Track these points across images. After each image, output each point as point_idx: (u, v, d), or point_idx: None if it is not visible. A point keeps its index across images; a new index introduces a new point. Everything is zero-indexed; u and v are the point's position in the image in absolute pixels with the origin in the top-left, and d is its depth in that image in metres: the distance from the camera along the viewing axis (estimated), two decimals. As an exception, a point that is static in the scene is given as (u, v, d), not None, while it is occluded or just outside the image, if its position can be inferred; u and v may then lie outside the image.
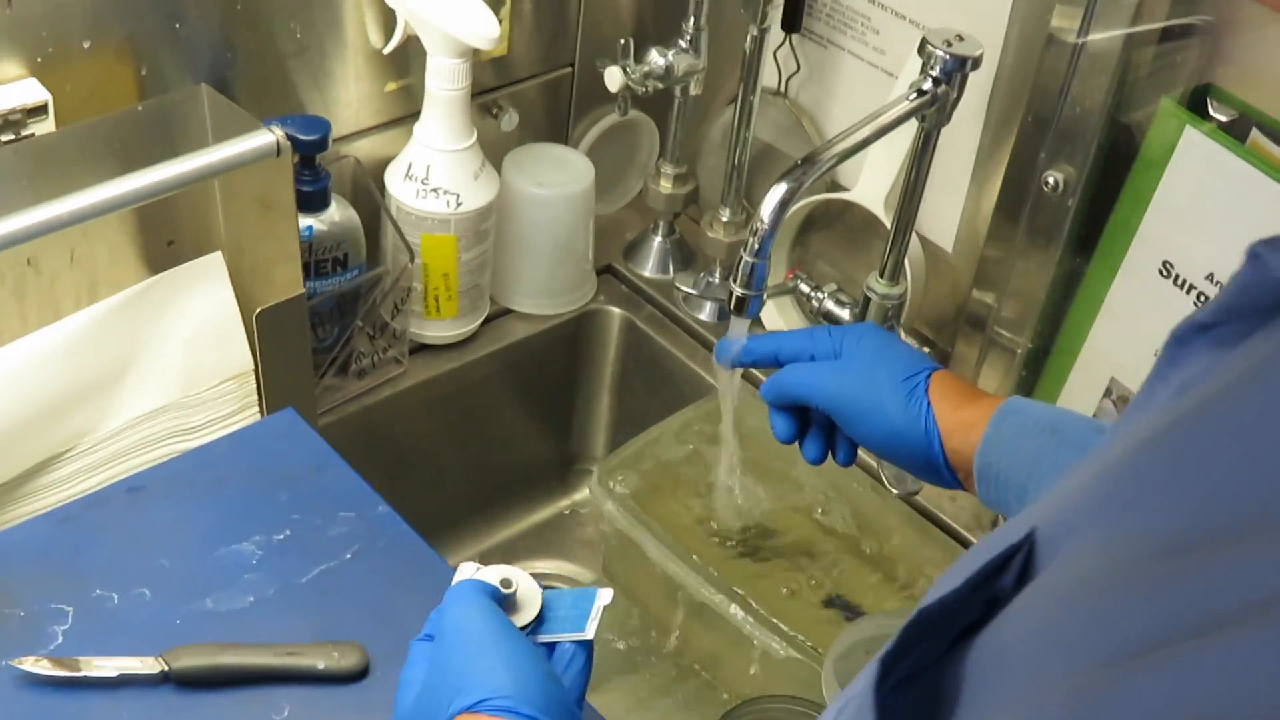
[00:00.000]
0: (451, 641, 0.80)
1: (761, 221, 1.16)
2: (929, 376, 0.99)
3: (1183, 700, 0.37)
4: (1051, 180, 1.28)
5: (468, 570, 0.86)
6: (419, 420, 1.48)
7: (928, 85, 1.23)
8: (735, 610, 1.22)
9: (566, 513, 1.65)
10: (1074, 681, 0.40)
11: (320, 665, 0.97)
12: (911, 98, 1.24)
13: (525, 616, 0.85)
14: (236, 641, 0.97)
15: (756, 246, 1.16)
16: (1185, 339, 0.52)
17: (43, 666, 0.94)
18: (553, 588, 0.89)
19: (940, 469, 0.98)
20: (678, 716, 1.34)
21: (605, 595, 0.86)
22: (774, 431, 1.06)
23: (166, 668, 0.95)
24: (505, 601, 0.84)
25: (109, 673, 0.95)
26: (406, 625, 1.01)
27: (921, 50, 1.23)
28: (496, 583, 0.84)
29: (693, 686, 1.35)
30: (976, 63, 1.23)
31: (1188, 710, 0.36)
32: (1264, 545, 0.38)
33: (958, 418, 0.96)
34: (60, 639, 0.97)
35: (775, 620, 1.21)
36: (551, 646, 0.85)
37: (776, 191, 1.16)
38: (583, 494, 1.65)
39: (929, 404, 0.97)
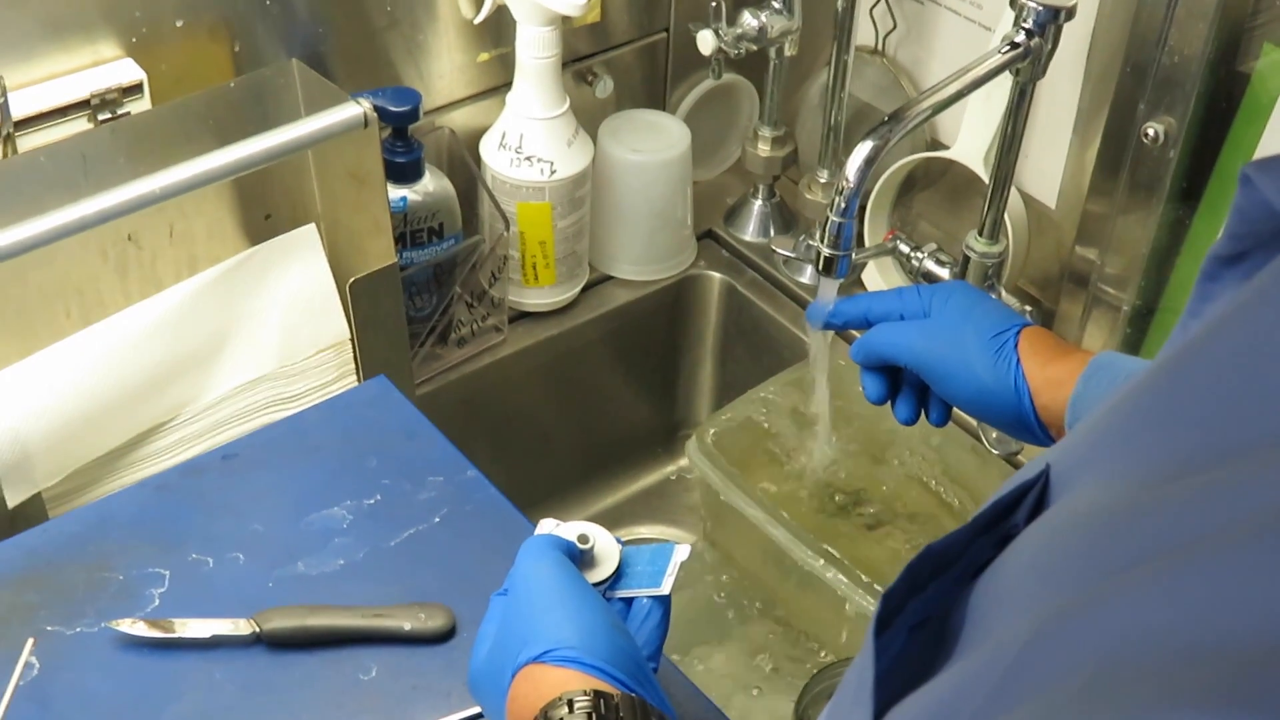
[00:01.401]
0: (521, 594, 0.80)
1: (847, 180, 1.15)
2: (1018, 333, 0.97)
3: (1150, 616, 0.36)
4: (1151, 132, 1.25)
5: (547, 526, 0.87)
6: (521, 388, 1.49)
7: (1020, 38, 1.21)
8: (829, 571, 1.21)
9: (673, 478, 1.66)
10: (1050, 606, 0.40)
11: (407, 626, 0.98)
12: (1004, 50, 1.22)
13: (602, 572, 0.86)
14: (326, 604, 0.99)
15: (843, 205, 1.15)
16: (1213, 273, 0.50)
17: (139, 628, 0.97)
18: (631, 544, 0.89)
19: (1032, 426, 0.96)
20: (772, 675, 1.34)
21: (682, 551, 0.87)
22: (865, 392, 1.05)
23: (258, 629, 0.97)
24: (582, 557, 0.85)
25: (202, 634, 0.97)
26: (493, 588, 1.01)
27: (1013, 3, 1.21)
28: (573, 538, 0.85)
29: (788, 644, 1.35)
30: (1070, 14, 1.21)
31: (1152, 626, 0.35)
32: (1246, 468, 0.37)
33: (1047, 374, 0.95)
34: (157, 601, 1.00)
35: (869, 580, 1.20)
36: (629, 603, 0.85)
37: (862, 149, 1.15)
38: (687, 460, 1.65)
39: (1018, 361, 0.96)
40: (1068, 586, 0.40)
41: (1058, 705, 0.36)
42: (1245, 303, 0.43)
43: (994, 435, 1.35)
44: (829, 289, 1.12)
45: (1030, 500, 0.51)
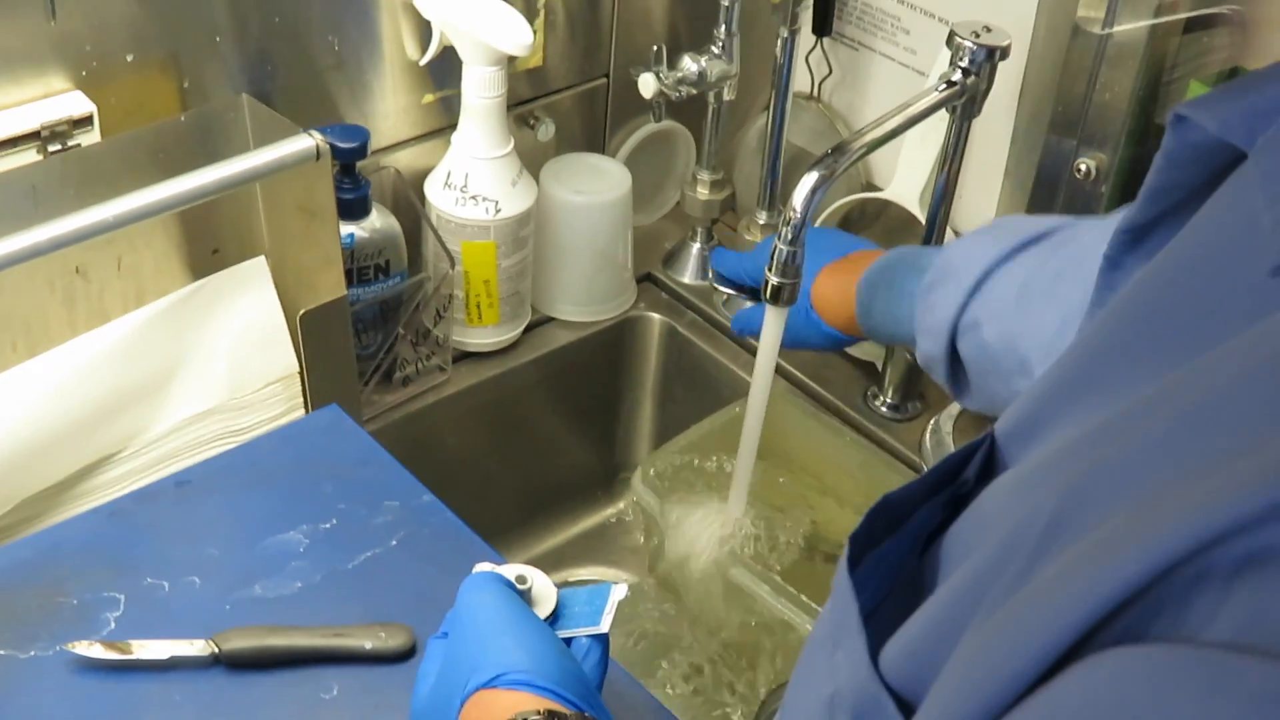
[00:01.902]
0: (466, 625, 0.81)
1: (794, 210, 1.17)
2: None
3: (1176, 448, 0.38)
4: (1083, 167, 1.29)
5: (484, 568, 0.88)
6: (463, 428, 1.49)
7: (957, 76, 1.25)
8: (778, 600, 1.22)
9: (612, 521, 1.66)
10: (1064, 484, 0.41)
11: (368, 645, 0.98)
12: (941, 89, 1.25)
13: (541, 612, 0.86)
14: (286, 625, 0.99)
15: (790, 235, 1.17)
16: (1116, 260, 0.52)
17: (95, 650, 0.96)
18: (568, 585, 0.90)
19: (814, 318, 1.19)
20: (715, 697, 1.35)
21: (619, 590, 0.88)
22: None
23: (217, 650, 0.97)
24: (521, 598, 0.86)
25: (160, 655, 0.96)
26: (452, 607, 1.02)
27: (950, 42, 1.25)
28: (512, 578, 0.85)
29: (734, 671, 1.36)
30: (1005, 53, 1.25)
31: (1179, 452, 0.38)
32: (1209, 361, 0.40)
33: (836, 268, 1.19)
34: (113, 625, 0.99)
35: (811, 603, 1.22)
36: (569, 643, 0.86)
37: (808, 180, 1.17)
38: (627, 502, 1.65)
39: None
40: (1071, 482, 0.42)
41: (1114, 525, 0.37)
42: (1169, 250, 0.45)
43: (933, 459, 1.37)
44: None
45: (978, 460, 0.53)
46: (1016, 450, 0.52)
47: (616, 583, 0.89)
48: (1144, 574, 0.35)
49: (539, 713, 0.73)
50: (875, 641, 0.47)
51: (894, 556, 0.53)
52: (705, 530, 1.30)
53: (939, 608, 0.44)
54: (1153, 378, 0.44)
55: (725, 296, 1.56)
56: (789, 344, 1.22)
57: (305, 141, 1.17)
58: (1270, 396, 0.38)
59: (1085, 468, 0.41)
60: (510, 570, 0.86)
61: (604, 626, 0.86)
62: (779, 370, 1.43)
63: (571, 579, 1.61)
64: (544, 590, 0.87)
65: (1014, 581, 0.40)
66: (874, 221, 1.53)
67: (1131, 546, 0.36)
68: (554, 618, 0.87)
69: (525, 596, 0.86)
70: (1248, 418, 0.38)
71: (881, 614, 0.50)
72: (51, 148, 1.15)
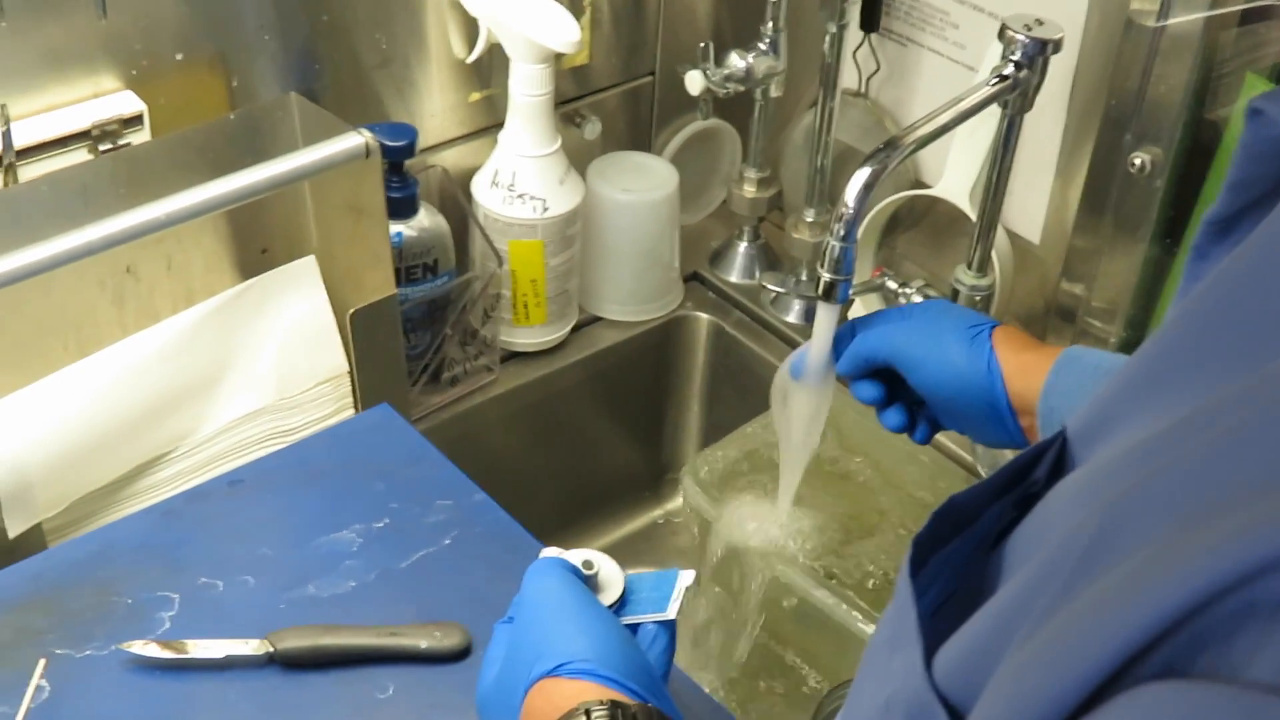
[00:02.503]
0: (530, 613, 0.80)
1: (847, 206, 1.16)
2: (993, 327, 1.00)
3: (1219, 468, 0.37)
4: (1138, 162, 1.28)
5: (551, 553, 0.87)
6: (511, 429, 1.49)
7: (1009, 70, 1.23)
8: (830, 599, 1.21)
9: (660, 522, 1.65)
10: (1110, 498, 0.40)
11: (423, 645, 0.97)
12: (993, 83, 1.24)
13: (607, 598, 0.86)
14: (340, 624, 0.98)
15: (843, 231, 1.16)
16: (1204, 250, 0.51)
17: (151, 649, 0.95)
18: (635, 572, 0.89)
19: (1003, 412, 0.97)
20: (767, 695, 1.34)
21: (687, 577, 0.87)
22: (856, 395, 1.06)
23: (272, 649, 0.96)
24: (587, 583, 0.85)
25: (215, 654, 0.96)
26: (506, 607, 1.01)
27: (1001, 35, 1.23)
28: (578, 564, 0.85)
29: (782, 671, 1.35)
30: (1057, 46, 1.23)
31: (1223, 475, 0.37)
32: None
33: (1021, 359, 0.97)
34: (167, 624, 0.98)
35: (863, 603, 1.21)
36: (635, 629, 0.85)
37: (860, 175, 1.16)
38: (675, 503, 1.64)
39: (992, 347, 0.97)
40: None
41: (1159, 548, 0.36)
42: (1241, 250, 0.44)
43: (987, 464, 1.36)
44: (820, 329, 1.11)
45: (1049, 459, 0.52)
46: (1084, 450, 0.51)
47: (684, 568, 0.88)
48: (1183, 605, 0.34)
49: (602, 703, 0.72)
50: (935, 641, 0.46)
51: (959, 558, 0.52)
52: (756, 529, 1.29)
53: (990, 617, 0.43)
54: (1215, 384, 0.42)
55: (773, 295, 1.55)
56: (946, 393, 1.01)
57: (355, 139, 1.17)
58: None
59: (1131, 484, 0.40)
60: (576, 555, 0.86)
61: (671, 613, 0.85)
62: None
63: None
64: (610, 576, 0.86)
65: (1055, 601, 0.39)
66: (923, 218, 1.51)
67: (1171, 574, 0.35)
68: (620, 604, 0.86)
69: (591, 582, 0.85)
70: None
71: (944, 613, 0.49)
72: (102, 147, 1.15)
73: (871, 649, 0.53)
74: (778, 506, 1.29)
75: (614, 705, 0.72)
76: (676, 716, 0.76)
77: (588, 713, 0.72)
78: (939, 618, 0.48)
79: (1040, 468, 0.52)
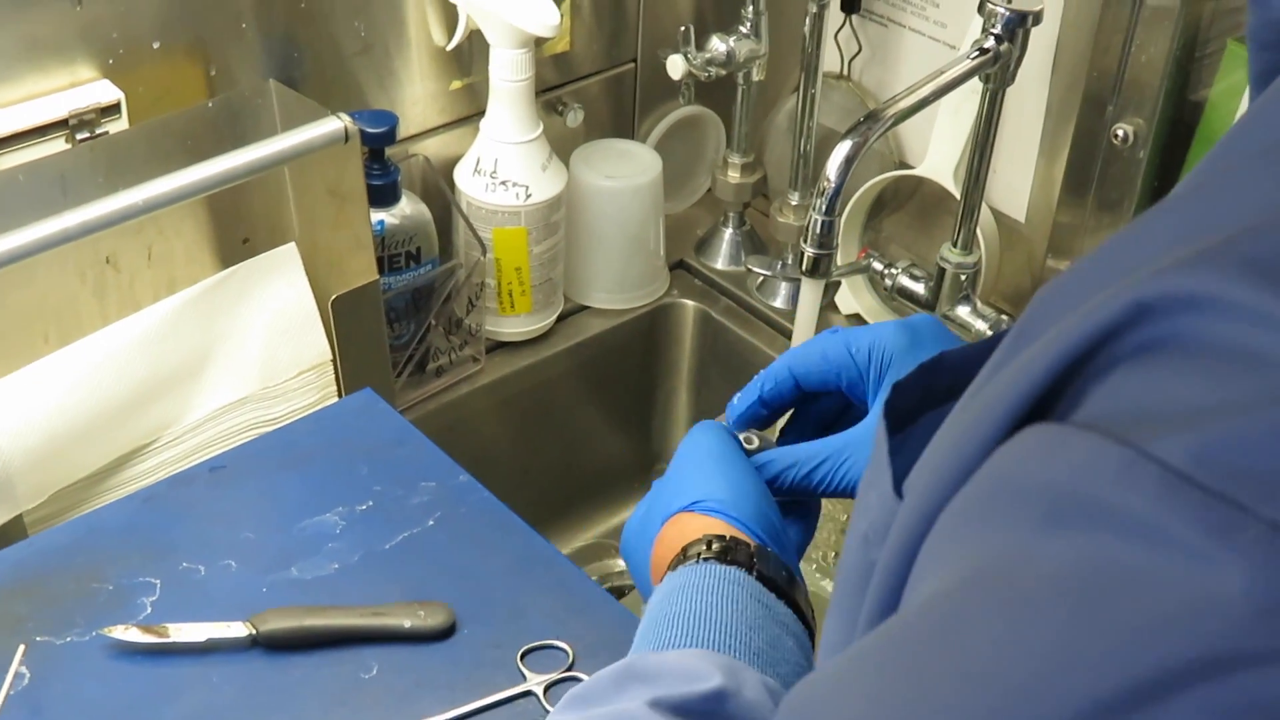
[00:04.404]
0: (680, 460, 0.83)
1: (829, 180, 1.16)
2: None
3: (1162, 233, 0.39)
4: (1121, 133, 1.27)
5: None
6: (498, 419, 1.48)
7: (989, 43, 1.23)
8: (824, 582, 1.21)
9: (650, 512, 1.64)
10: None
11: (407, 624, 0.96)
12: (973, 56, 1.23)
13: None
14: (323, 605, 0.97)
15: (824, 205, 1.16)
16: None
17: (132, 634, 0.94)
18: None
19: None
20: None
21: None
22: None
23: (254, 631, 0.95)
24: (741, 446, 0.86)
25: (197, 638, 0.95)
26: (491, 586, 1.01)
27: (981, 8, 1.23)
28: (741, 437, 0.85)
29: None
30: (1038, 18, 1.23)
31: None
32: None
33: None
34: (149, 609, 0.98)
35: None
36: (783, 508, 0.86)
37: (842, 148, 1.16)
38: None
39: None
40: None
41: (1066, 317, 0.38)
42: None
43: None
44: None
45: None
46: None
47: None
48: (1063, 360, 0.36)
49: (723, 537, 0.75)
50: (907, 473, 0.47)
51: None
52: None
53: (945, 425, 0.44)
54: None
55: (760, 279, 1.55)
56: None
57: (333, 124, 1.16)
58: (1234, 186, 0.38)
59: (1059, 277, 0.42)
60: (742, 432, 0.86)
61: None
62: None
63: (611, 572, 1.60)
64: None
65: (981, 384, 0.42)
66: (908, 200, 1.51)
67: (1058, 336, 0.37)
68: None
69: (751, 454, 0.86)
70: (1203, 213, 0.38)
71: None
72: (80, 136, 1.15)
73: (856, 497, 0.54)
74: None
75: (734, 540, 0.75)
76: (794, 566, 0.78)
77: (709, 543, 0.75)
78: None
79: None
